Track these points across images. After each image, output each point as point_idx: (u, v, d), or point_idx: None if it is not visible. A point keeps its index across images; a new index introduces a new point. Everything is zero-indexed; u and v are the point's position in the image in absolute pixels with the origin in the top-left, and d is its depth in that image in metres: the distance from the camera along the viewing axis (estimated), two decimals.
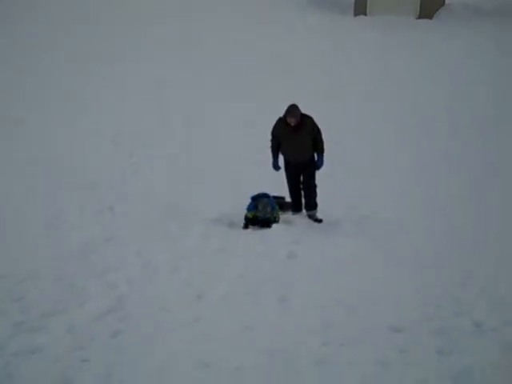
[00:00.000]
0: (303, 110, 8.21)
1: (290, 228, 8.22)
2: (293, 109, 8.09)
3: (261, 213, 8.08)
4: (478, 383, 4.46)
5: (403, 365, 4.68)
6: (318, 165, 8.47)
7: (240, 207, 8.24)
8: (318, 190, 8.62)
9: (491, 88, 15.66)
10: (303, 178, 8.59)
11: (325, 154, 8.42)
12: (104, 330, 5.10)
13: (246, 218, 8.17)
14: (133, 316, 5.38)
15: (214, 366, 4.64)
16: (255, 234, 7.91)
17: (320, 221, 8.59)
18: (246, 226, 8.16)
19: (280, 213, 8.52)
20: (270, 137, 8.47)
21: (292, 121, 8.06)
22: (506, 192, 10.36)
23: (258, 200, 8.13)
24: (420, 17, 22.19)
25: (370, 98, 15.43)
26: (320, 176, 8.70)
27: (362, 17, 22.56)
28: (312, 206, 8.65)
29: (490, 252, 7.70)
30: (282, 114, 8.24)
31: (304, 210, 8.79)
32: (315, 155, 8.45)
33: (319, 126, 8.30)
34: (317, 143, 8.33)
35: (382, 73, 17.31)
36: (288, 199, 8.94)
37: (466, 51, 18.49)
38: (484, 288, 6.31)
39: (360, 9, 22.77)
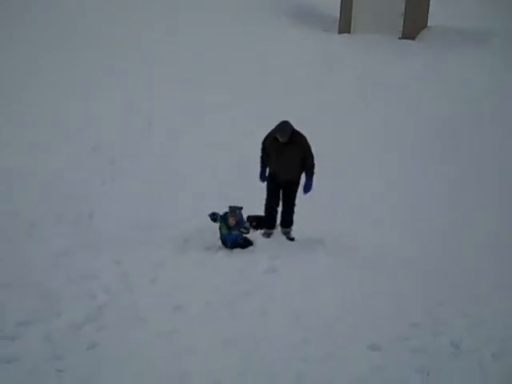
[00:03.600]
0: (295, 125, 8.00)
1: (269, 243, 8.17)
2: (283, 126, 7.81)
3: (231, 216, 7.81)
4: None
5: (381, 383, 4.69)
6: (306, 189, 8.15)
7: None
8: (298, 207, 8.47)
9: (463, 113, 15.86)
10: (284, 195, 8.36)
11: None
12: (81, 340, 5.05)
13: (214, 214, 7.93)
14: (110, 326, 5.33)
15: (192, 379, 4.61)
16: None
17: (292, 239, 8.47)
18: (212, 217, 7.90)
19: (259, 230, 8.47)
20: (261, 146, 8.25)
21: (281, 139, 7.83)
22: (488, 212, 10.49)
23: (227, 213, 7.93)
24: (403, 37, 22.43)
25: (354, 112, 15.49)
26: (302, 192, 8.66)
27: (345, 35, 22.74)
28: (288, 223, 8.49)
29: (467, 272, 7.77)
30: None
31: (279, 228, 8.61)
32: (303, 176, 8.20)
33: (311, 148, 8.00)
34: (306, 165, 8.05)
35: (363, 90, 17.40)
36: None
37: (445, 73, 18.74)
38: (462, 308, 6.35)
39: (344, 27, 22.92)
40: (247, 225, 7.96)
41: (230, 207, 7.92)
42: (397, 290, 6.79)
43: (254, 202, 8.48)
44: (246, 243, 7.95)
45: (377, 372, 4.84)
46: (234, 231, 7.88)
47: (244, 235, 7.95)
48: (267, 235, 8.49)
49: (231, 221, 7.83)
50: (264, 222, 8.59)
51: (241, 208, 7.96)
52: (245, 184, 9.02)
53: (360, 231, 9.30)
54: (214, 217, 7.94)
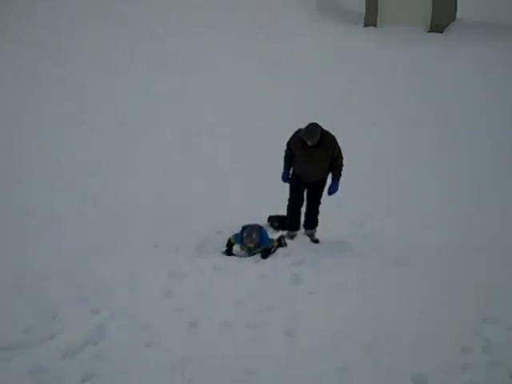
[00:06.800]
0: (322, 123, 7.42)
1: (291, 247, 7.51)
2: (312, 129, 7.29)
3: (247, 240, 7.11)
4: None
5: None
6: (332, 191, 7.73)
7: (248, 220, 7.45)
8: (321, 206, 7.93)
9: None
10: (310, 195, 7.90)
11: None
12: (76, 369, 4.33)
13: (229, 243, 7.24)
14: (110, 354, 4.60)
15: None
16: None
17: (317, 241, 7.96)
18: (227, 252, 7.17)
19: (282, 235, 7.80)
20: (285, 147, 7.75)
21: (310, 143, 7.35)
22: None
23: (246, 228, 7.25)
24: (431, 30, 21.58)
25: (374, 113, 14.83)
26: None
27: (371, 28, 21.92)
28: (313, 224, 8.01)
29: None
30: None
31: (302, 229, 8.09)
32: (329, 177, 7.76)
33: (341, 148, 7.52)
34: (334, 167, 7.63)
35: (385, 88, 16.66)
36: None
37: (473, 68, 18.00)
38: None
39: (370, 20, 22.08)
40: (272, 244, 7.28)
41: (244, 228, 7.22)
42: (439, 298, 6.00)
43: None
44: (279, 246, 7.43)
45: None
46: (255, 250, 7.19)
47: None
48: (291, 237, 7.95)
49: (249, 244, 7.15)
50: (287, 224, 8.07)
51: (261, 227, 7.32)
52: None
53: (386, 228, 8.62)
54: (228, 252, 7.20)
